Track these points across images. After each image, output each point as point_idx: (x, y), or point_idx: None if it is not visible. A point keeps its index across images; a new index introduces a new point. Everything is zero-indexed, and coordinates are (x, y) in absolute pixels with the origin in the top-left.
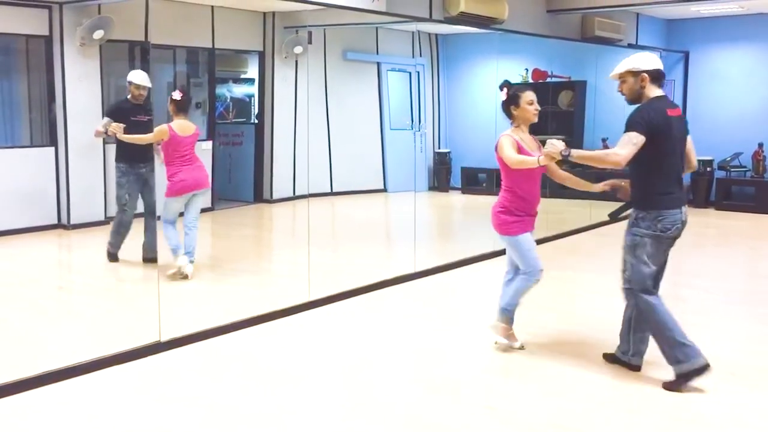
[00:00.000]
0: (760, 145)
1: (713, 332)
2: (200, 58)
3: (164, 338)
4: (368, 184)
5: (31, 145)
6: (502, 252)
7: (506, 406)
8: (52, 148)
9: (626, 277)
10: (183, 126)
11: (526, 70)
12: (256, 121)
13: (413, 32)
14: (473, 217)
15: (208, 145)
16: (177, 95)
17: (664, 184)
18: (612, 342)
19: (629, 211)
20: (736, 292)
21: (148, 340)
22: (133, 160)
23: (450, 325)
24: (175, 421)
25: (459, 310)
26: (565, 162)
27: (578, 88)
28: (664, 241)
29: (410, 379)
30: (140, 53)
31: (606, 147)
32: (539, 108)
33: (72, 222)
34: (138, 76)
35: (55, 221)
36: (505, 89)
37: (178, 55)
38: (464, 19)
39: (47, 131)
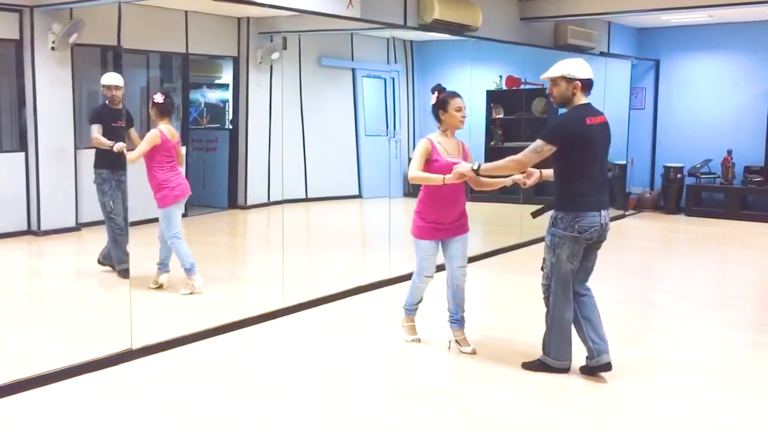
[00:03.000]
0: (729, 152)
1: (684, 336)
2: (174, 63)
3: (136, 346)
4: (343, 190)
5: (1, 151)
6: (480, 257)
7: (479, 411)
8: (22, 154)
9: (545, 273)
10: (171, 131)
11: (500, 77)
12: (231, 127)
13: (388, 39)
14: None
15: (182, 150)
16: (159, 98)
17: (582, 187)
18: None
19: (550, 212)
20: (706, 296)
21: (120, 347)
22: (114, 167)
23: (424, 330)
24: (148, 430)
25: (433, 316)
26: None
27: None
28: (581, 242)
29: (385, 385)
30: (113, 58)
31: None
32: (466, 115)
33: (42, 228)
34: (110, 78)
35: (25, 227)
36: (436, 93)
37: (151, 60)
38: (438, 26)
39: (17, 136)
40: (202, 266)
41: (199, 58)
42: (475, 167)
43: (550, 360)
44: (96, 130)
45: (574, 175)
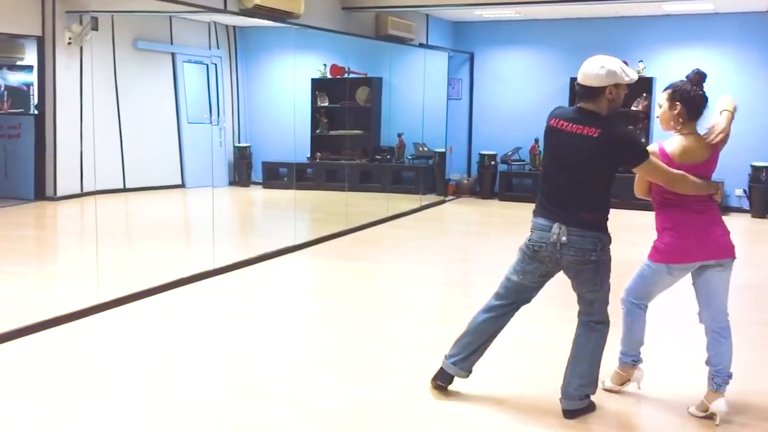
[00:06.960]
0: (536, 141)
1: None
2: None
3: None
4: (165, 180)
5: None
6: (303, 245)
7: (306, 398)
8: None
9: None
10: None
11: (325, 65)
12: (36, 112)
13: (209, 23)
14: (274, 211)
15: None
16: None
17: (541, 193)
18: (411, 327)
19: None
20: None
21: None
22: None
23: (251, 320)
24: None
25: (259, 305)
26: None
27: (374, 84)
28: (528, 255)
29: (210, 378)
30: None
31: (402, 143)
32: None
33: None
34: None
35: None
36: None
37: None
38: (260, 12)
39: None
40: (4, 263)
41: None
42: None
43: (443, 361)
44: None
45: (541, 174)
